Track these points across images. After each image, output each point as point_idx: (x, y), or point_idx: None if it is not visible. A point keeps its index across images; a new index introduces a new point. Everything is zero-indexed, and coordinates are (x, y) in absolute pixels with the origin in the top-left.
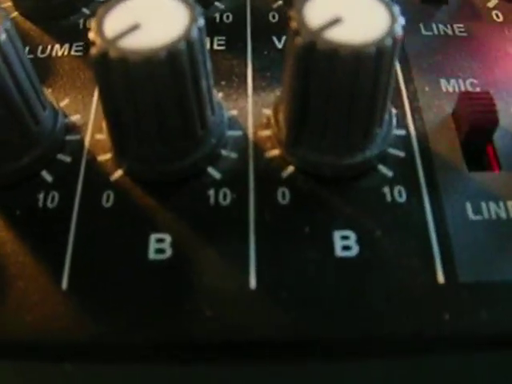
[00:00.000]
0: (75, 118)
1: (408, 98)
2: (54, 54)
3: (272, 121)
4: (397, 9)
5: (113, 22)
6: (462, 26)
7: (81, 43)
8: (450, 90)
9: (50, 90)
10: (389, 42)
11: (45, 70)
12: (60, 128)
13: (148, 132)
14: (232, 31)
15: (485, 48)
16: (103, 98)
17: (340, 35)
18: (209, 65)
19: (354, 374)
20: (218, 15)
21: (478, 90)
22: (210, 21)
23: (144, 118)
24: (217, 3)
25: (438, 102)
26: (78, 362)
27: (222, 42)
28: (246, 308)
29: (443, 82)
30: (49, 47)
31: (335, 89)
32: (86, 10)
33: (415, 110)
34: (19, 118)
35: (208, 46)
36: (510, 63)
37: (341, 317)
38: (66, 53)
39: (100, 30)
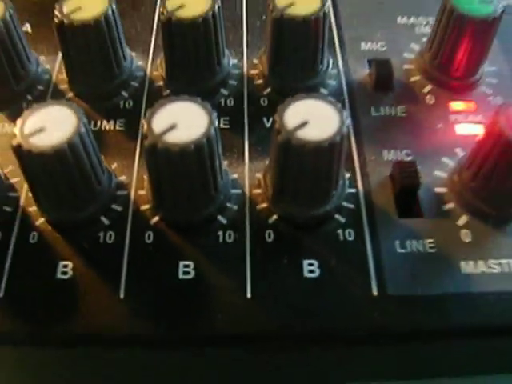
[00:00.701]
0: (122, 178)
1: (359, 164)
2: (103, 128)
3: (262, 183)
4: (345, 114)
5: (158, 122)
6: (403, 107)
7: (122, 120)
8: (390, 158)
9: (102, 157)
10: (338, 139)
11: (97, 140)
12: (113, 186)
13: (179, 195)
14: (233, 113)
15: (418, 125)
16: (150, 173)
17: (306, 134)
18: (220, 149)
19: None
20: (223, 100)
21: (410, 158)
22: (216, 105)
23: (176, 187)
24: (222, 90)
25: (379, 168)
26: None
27: (226, 122)
28: (245, 311)
29: (385, 152)
30: (99, 122)
31: (303, 170)
32: (124, 93)
33: (363, 174)
34: (89, 181)
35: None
36: (434, 137)
37: (306, 315)
38: (112, 128)
39: (150, 128)
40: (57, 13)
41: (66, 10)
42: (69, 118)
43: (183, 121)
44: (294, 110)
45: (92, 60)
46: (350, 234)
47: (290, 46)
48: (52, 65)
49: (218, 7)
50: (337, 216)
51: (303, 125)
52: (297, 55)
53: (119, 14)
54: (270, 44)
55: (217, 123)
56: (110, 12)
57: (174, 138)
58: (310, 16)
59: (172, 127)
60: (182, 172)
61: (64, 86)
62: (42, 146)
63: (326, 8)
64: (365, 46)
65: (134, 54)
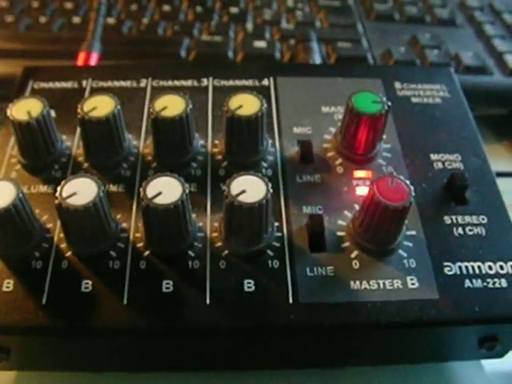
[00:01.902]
0: (124, 225)
1: (285, 216)
2: (110, 190)
3: (218, 228)
4: (269, 185)
5: (150, 189)
6: (319, 176)
7: (123, 185)
8: (307, 212)
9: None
10: (264, 202)
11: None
12: (119, 230)
13: (163, 236)
14: (200, 181)
15: (330, 188)
16: (144, 222)
17: (244, 198)
18: (190, 206)
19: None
20: (193, 171)
21: (321, 212)
22: (188, 175)
23: (162, 232)
24: (193, 163)
25: (299, 218)
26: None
27: (195, 187)
28: (205, 312)
29: (304, 207)
30: (107, 186)
31: (242, 221)
32: (124, 165)
33: (287, 223)
34: (103, 227)
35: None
36: (340, 196)
37: (245, 316)
38: (116, 190)
39: (145, 193)
40: (79, 110)
41: (85, 108)
42: (92, 186)
43: (166, 189)
44: (236, 182)
45: (102, 143)
46: (276, 263)
47: (240, 135)
48: (71, 142)
49: (190, 108)
50: (268, 251)
51: (242, 192)
52: (244, 141)
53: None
54: (225, 133)
55: (187, 190)
56: (116, 111)
57: (160, 200)
58: (252, 115)
59: (159, 193)
60: (166, 222)
61: (81, 159)
62: (75, 205)
63: (263, 109)
64: (296, 129)
65: (130, 135)
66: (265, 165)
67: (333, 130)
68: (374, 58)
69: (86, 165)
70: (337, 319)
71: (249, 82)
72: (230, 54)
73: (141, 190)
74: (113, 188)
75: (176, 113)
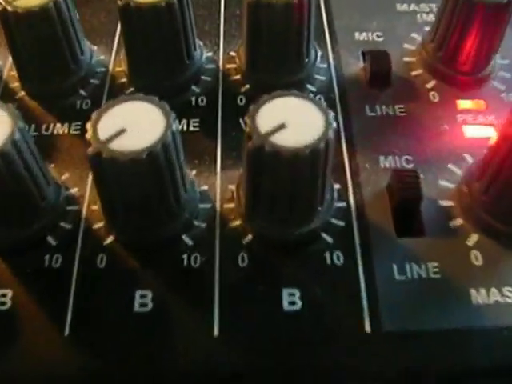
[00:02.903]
0: (74, 190)
1: (350, 174)
2: (55, 132)
3: (235, 196)
4: (331, 115)
5: (105, 126)
6: (402, 106)
7: (78, 123)
8: (387, 165)
9: (52, 165)
10: (322, 145)
11: (48, 146)
12: (62, 200)
13: (133, 211)
14: (205, 114)
15: (420, 126)
16: (97, 186)
17: (283, 140)
18: (182, 157)
19: None
20: (193, 99)
21: (411, 165)
22: (186, 104)
23: (130, 202)
24: (193, 87)
25: (375, 177)
26: None
27: (197, 124)
28: (211, 350)
29: (381, 159)
30: (51, 126)
31: (280, 181)
32: (82, 92)
33: (356, 185)
34: (30, 196)
35: (185, 127)
36: (440, 140)
37: (284, 356)
38: (66, 131)
39: (95, 133)
40: None
41: None
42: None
43: (135, 124)
44: (269, 110)
45: (42, 54)
46: (338, 258)
47: (270, 34)
48: (3, 61)
49: None
50: (323, 235)
51: (280, 128)
52: (278, 46)
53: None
54: (246, 33)
55: (175, 127)
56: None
57: (121, 145)
58: (290, 2)
59: (121, 132)
60: (133, 185)
61: (16, 85)
62: None
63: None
64: (359, 36)
65: (95, 47)
66: (312, 88)
67: (416, 36)
68: None
69: (21, 93)
70: (449, 361)
71: None
72: None
73: (88, 125)
74: (60, 128)
75: None
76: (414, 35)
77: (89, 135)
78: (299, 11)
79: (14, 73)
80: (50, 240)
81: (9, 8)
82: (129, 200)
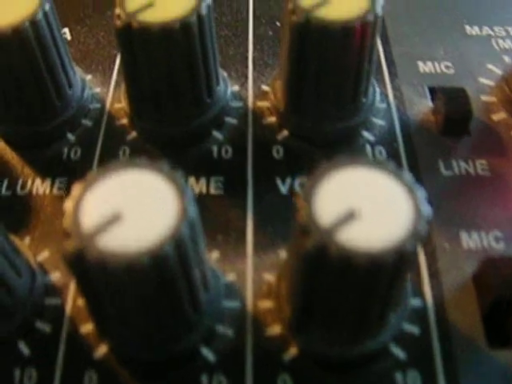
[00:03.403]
0: (55, 275)
1: (425, 258)
2: (34, 190)
3: (274, 289)
4: (423, 195)
5: (91, 209)
6: (484, 162)
7: (64, 178)
8: (472, 245)
9: (27, 239)
10: (412, 245)
11: (24, 210)
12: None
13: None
14: (231, 170)
15: (509, 189)
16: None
17: (355, 237)
18: (202, 248)
19: None
20: (215, 149)
21: (502, 244)
22: (206, 156)
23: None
24: (215, 132)
25: (457, 262)
26: None
27: (220, 185)
28: None
29: (464, 236)
30: (29, 182)
31: (349, 293)
32: (70, 136)
33: (433, 274)
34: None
35: (204, 189)
36: None
37: None
38: (47, 190)
39: (75, 223)
40: None
41: None
42: None
43: (134, 209)
44: (331, 188)
45: (16, 88)
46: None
47: (320, 67)
48: None
49: (208, 6)
50: (393, 349)
51: (347, 218)
52: (330, 82)
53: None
54: (287, 64)
55: (192, 213)
56: (40, 15)
57: (116, 239)
58: (353, 21)
59: (114, 220)
60: (134, 296)
61: None
62: None
63: (379, 7)
64: (423, 66)
65: (89, 76)
66: (369, 137)
67: (493, 67)
68: None
69: None
70: None
71: None
72: None
73: (67, 204)
74: (40, 186)
75: (173, 14)
76: (490, 66)
77: (67, 224)
78: (361, 36)
79: None
80: (22, 348)
81: None
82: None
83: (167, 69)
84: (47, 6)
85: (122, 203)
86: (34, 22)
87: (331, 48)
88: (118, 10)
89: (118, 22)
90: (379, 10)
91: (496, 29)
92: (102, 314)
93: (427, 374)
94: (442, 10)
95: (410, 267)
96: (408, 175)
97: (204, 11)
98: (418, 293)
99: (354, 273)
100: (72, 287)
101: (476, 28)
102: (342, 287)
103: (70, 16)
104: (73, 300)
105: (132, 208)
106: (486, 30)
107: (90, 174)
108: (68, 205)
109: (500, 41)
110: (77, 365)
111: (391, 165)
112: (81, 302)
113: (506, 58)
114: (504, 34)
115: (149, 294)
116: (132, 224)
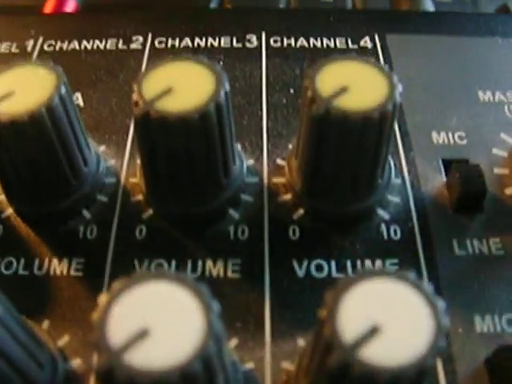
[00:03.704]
0: (76, 362)
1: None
2: (51, 271)
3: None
4: (442, 306)
5: (118, 320)
6: (498, 240)
7: (81, 260)
8: (485, 329)
9: (46, 323)
10: (431, 360)
11: (41, 292)
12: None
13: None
14: (248, 252)
15: None
16: None
17: (377, 354)
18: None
19: None
20: (232, 229)
21: None
22: (223, 238)
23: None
24: (232, 211)
25: (470, 346)
26: None
27: (237, 268)
28: None
29: (477, 319)
30: (46, 262)
31: None
32: (86, 213)
33: (448, 360)
34: None
35: (221, 272)
36: None
37: None
38: (64, 271)
39: (103, 335)
40: None
41: None
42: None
43: (160, 325)
44: (351, 302)
45: (32, 168)
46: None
47: (338, 154)
48: None
49: (226, 93)
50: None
51: (372, 333)
52: (348, 167)
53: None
54: (305, 148)
55: (219, 327)
56: (56, 100)
57: (143, 357)
58: (372, 111)
59: (140, 336)
60: None
61: (1, 197)
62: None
63: (397, 95)
64: (437, 137)
65: (103, 147)
66: (385, 215)
67: (506, 137)
68: None
69: (8, 211)
70: None
71: (332, 43)
72: None
73: (94, 314)
74: (57, 267)
75: (192, 103)
76: (503, 136)
77: (95, 339)
78: (380, 125)
79: None
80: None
81: None
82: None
83: (185, 154)
84: (63, 90)
85: (148, 317)
86: (50, 108)
87: (351, 137)
88: (135, 97)
89: (136, 110)
90: (398, 98)
91: (509, 94)
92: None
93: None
94: (455, 76)
95: (428, 377)
96: (428, 286)
97: (222, 99)
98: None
99: None
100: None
101: (489, 93)
102: None
103: (82, 79)
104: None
105: (158, 322)
106: (499, 96)
107: (115, 285)
108: (95, 317)
109: None
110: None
111: (412, 275)
112: None
113: None
114: None
115: None
116: (159, 339)
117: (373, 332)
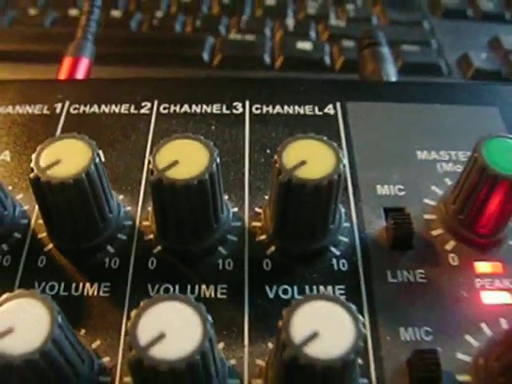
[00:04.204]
0: (106, 359)
1: (372, 347)
2: (85, 292)
3: (263, 372)
4: (361, 320)
5: (144, 328)
6: (422, 271)
7: (107, 283)
8: (407, 338)
9: (83, 331)
10: (352, 357)
11: (78, 308)
12: (95, 371)
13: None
14: (232, 279)
15: (440, 294)
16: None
17: (316, 350)
18: None
19: None
20: (221, 262)
21: (430, 338)
22: (213, 268)
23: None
24: (220, 248)
25: (396, 350)
26: None
27: (224, 291)
28: None
29: (402, 330)
30: (81, 285)
31: None
32: (110, 248)
33: (377, 360)
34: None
35: (212, 294)
36: (458, 309)
37: None
38: (95, 293)
39: (134, 337)
40: (33, 166)
41: (42, 163)
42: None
43: (172, 330)
44: (300, 320)
45: (71, 217)
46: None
47: (298, 210)
48: (30, 206)
49: (217, 165)
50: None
51: (312, 337)
52: (306, 219)
53: (107, 144)
54: (274, 204)
55: (211, 332)
56: (92, 168)
57: (161, 352)
58: (323, 179)
59: (159, 338)
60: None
61: (44, 235)
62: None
63: (341, 169)
64: (381, 189)
65: (121, 196)
66: (336, 252)
67: (436, 189)
68: (449, 66)
69: (49, 246)
70: None
71: (304, 109)
72: (267, 58)
73: (128, 325)
74: (90, 289)
75: (193, 174)
76: (434, 188)
77: (129, 341)
78: (328, 190)
79: (42, 221)
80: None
81: (42, 178)
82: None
83: (187, 209)
84: (97, 159)
85: (164, 325)
86: (88, 173)
87: (307, 199)
88: (151, 166)
89: (152, 177)
90: (341, 170)
91: (442, 153)
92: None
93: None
94: (400, 137)
95: (353, 367)
96: (353, 306)
97: (214, 169)
98: (366, 374)
99: (317, 373)
100: (119, 368)
101: (425, 152)
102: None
103: (103, 138)
104: (119, 378)
105: (171, 329)
106: (433, 155)
107: (143, 303)
108: (129, 325)
109: (444, 164)
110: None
111: (342, 299)
112: (126, 380)
113: (447, 180)
114: (447, 157)
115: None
116: (172, 340)
117: (313, 336)
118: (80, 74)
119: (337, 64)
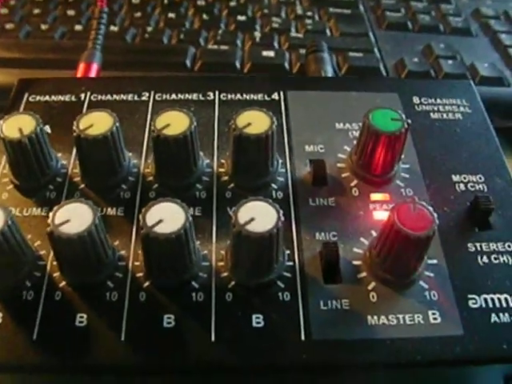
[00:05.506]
0: (122, 252)
1: (297, 244)
2: (108, 213)
3: (225, 258)
4: (281, 213)
5: (150, 217)
6: (333, 199)
7: (122, 207)
8: (320, 238)
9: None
10: (275, 230)
11: (103, 223)
12: (116, 258)
13: (165, 266)
14: (205, 204)
15: (345, 213)
16: (143, 251)
17: (253, 227)
18: (193, 234)
19: None
20: (197, 193)
21: (335, 238)
22: (193, 197)
23: (163, 263)
24: (197, 185)
25: (313, 245)
26: None
27: (199, 211)
28: (210, 350)
29: (317, 234)
30: (104, 209)
31: (247, 257)
32: (124, 186)
33: (300, 251)
34: (100, 256)
35: (191, 212)
36: (356, 222)
37: (254, 354)
38: (114, 213)
39: (144, 222)
40: (75, 128)
41: (81, 126)
42: (87, 213)
43: (168, 216)
44: (244, 210)
45: (99, 162)
46: (287, 296)
47: (248, 156)
48: (68, 161)
49: (194, 126)
50: (278, 282)
51: (251, 220)
52: (253, 161)
53: (119, 120)
54: (232, 153)
55: (191, 217)
56: (115, 129)
57: (161, 229)
58: (261, 134)
59: (160, 221)
60: (167, 252)
61: (77, 179)
62: (69, 233)
63: (274, 128)
64: (308, 148)
65: (130, 154)
66: (275, 187)
67: (347, 148)
68: (387, 69)
69: (82, 186)
70: (353, 358)
71: (257, 96)
72: (238, 64)
73: (140, 217)
74: (110, 211)
75: (179, 131)
76: (345, 147)
77: (141, 223)
78: (266, 141)
79: (76, 170)
80: (109, 283)
81: (81, 135)
82: (163, 262)
83: (176, 155)
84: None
85: (163, 215)
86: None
87: (252, 148)
88: (152, 128)
89: (152, 135)
90: (274, 128)
91: (353, 124)
92: (150, 265)
93: (294, 294)
94: (324, 115)
95: (278, 241)
96: (277, 205)
97: (193, 130)
98: (291, 258)
99: (250, 242)
100: (132, 254)
101: (341, 124)
102: (248, 250)
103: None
104: (132, 262)
105: (166, 217)
106: (347, 125)
107: (149, 203)
108: (141, 215)
109: (354, 132)
110: (136, 291)
111: (271, 201)
112: (136, 263)
113: (355, 142)
114: (357, 128)
115: (173, 252)
116: (167, 224)
117: (251, 220)
118: (92, 75)
119: (294, 68)
